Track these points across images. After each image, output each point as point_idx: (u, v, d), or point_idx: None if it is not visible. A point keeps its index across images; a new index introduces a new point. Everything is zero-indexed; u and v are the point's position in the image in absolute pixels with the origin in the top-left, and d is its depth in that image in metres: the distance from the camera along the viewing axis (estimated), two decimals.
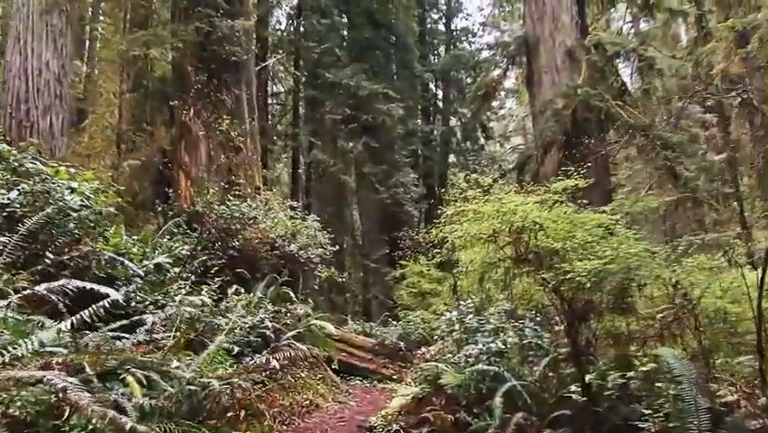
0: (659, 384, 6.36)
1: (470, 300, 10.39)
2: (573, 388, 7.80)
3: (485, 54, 35.45)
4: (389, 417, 10.42)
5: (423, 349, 11.14)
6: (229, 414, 8.28)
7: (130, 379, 6.28)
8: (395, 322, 19.07)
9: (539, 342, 9.30)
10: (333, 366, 15.94)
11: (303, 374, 12.70)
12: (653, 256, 7.39)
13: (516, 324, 9.76)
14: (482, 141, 37.06)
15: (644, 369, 6.61)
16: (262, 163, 27.06)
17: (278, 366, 11.58)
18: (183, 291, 8.91)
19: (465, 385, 8.94)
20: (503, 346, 9.17)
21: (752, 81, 21.96)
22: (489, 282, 9.38)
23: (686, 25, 30.70)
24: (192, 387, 7.01)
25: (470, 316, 9.90)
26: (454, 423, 8.84)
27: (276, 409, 10.63)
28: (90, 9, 23.24)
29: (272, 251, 14.27)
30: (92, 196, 9.34)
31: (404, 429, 9.60)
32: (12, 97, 14.84)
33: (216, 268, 13.34)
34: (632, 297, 7.77)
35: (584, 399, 7.06)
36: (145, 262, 9.49)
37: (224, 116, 16.03)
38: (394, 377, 16.20)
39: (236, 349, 10.93)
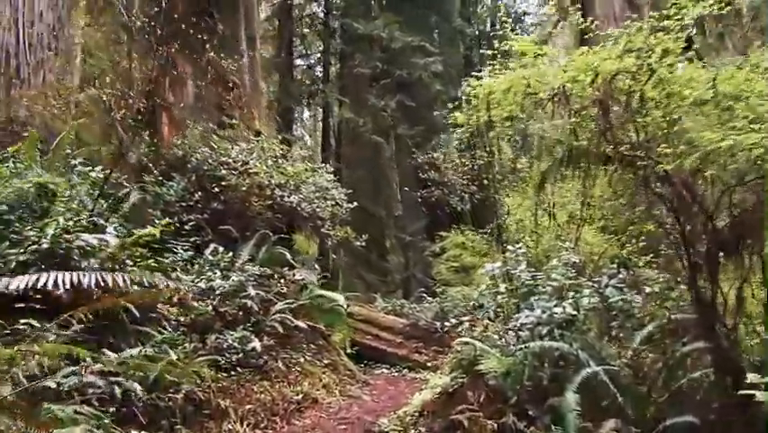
0: None
1: (522, 246, 7.06)
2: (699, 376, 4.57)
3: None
4: (408, 419, 7.34)
5: (452, 321, 7.87)
6: None
7: None
8: (431, 299, 15.86)
9: (627, 307, 6.05)
10: (353, 350, 12.95)
11: (301, 360, 9.61)
12: None
13: (590, 282, 6.50)
14: None
15: None
16: (285, 124, 24.14)
17: (259, 348, 8.57)
18: (74, 227, 5.86)
19: (515, 373, 5.79)
20: (573, 312, 5.91)
21: None
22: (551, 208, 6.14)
23: None
24: None
25: (522, 267, 6.60)
26: (498, 432, 5.69)
27: (249, 407, 7.58)
28: None
29: (266, 201, 11.17)
30: None
31: None
32: (1, 51, 12.17)
33: (193, 223, 10.37)
34: None
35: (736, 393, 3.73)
36: (16, 182, 6.36)
37: (215, 46, 13.01)
38: (428, 364, 13.26)
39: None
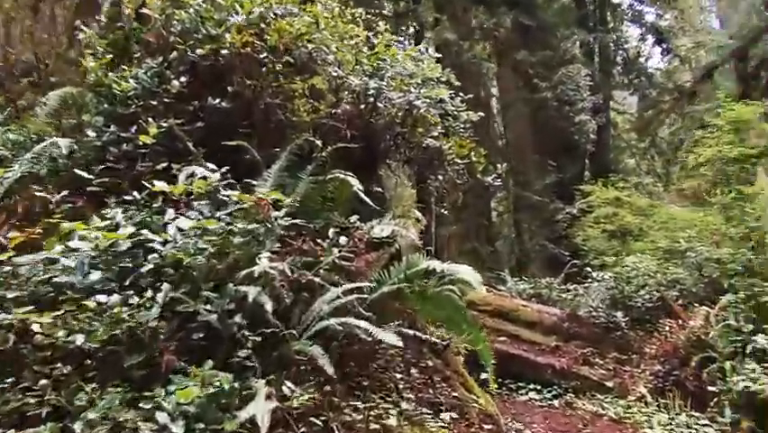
0: None
1: None
2: None
3: None
4: None
5: None
6: None
7: None
8: (591, 278, 10.12)
9: None
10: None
11: (390, 420, 4.09)
12: None
13: None
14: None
15: None
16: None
17: (265, 420, 3.03)
18: None
19: None
20: None
21: None
22: None
23: None
24: None
25: None
26: None
27: None
28: None
29: (315, 92, 5.58)
30: None
31: None
32: None
33: (164, 132, 5.04)
34: None
35: None
36: None
37: None
38: (607, 384, 8.13)
39: None
